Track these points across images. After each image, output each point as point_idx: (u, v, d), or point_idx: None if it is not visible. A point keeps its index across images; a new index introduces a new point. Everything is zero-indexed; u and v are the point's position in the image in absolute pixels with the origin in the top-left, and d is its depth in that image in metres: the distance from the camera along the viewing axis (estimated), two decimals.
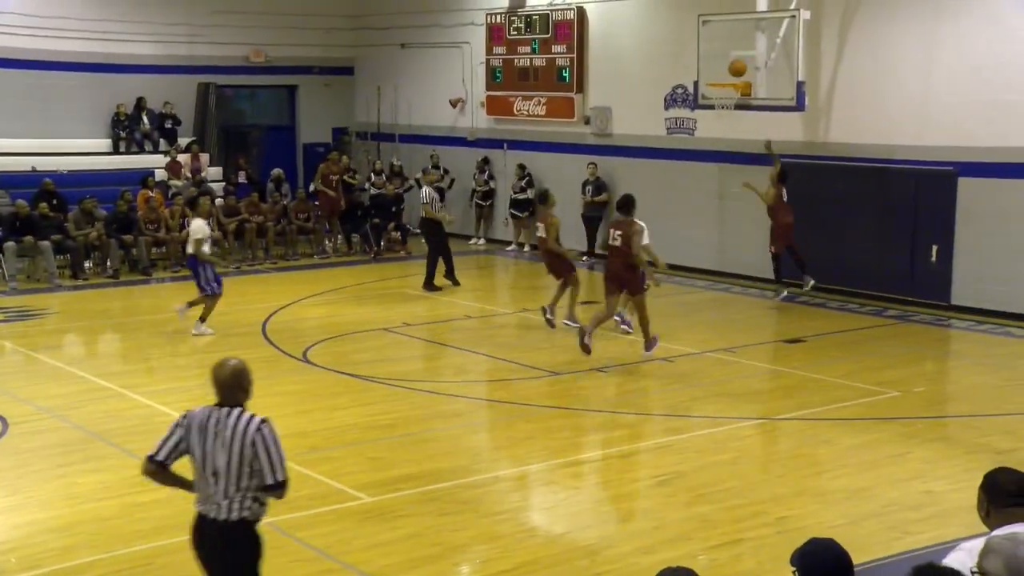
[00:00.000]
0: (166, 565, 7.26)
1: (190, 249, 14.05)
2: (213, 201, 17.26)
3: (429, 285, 16.90)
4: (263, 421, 5.28)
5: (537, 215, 14.60)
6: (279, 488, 5.32)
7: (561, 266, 14.35)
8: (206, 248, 13.97)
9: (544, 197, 14.93)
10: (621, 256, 12.38)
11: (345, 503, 8.29)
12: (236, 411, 5.30)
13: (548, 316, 14.12)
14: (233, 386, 5.36)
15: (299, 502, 8.29)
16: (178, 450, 5.34)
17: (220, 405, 5.35)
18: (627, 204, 12.73)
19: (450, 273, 17.33)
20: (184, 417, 5.37)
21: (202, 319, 14.09)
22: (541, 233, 14.46)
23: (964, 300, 15.03)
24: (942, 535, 7.47)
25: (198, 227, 14.02)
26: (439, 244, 17.13)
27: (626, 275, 12.39)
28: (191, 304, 14.27)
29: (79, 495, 8.47)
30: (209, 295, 14.05)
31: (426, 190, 17.35)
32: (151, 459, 5.34)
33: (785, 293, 15.87)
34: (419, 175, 21.94)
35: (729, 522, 7.91)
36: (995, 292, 14.71)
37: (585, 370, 12.28)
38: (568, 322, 14.06)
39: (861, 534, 7.62)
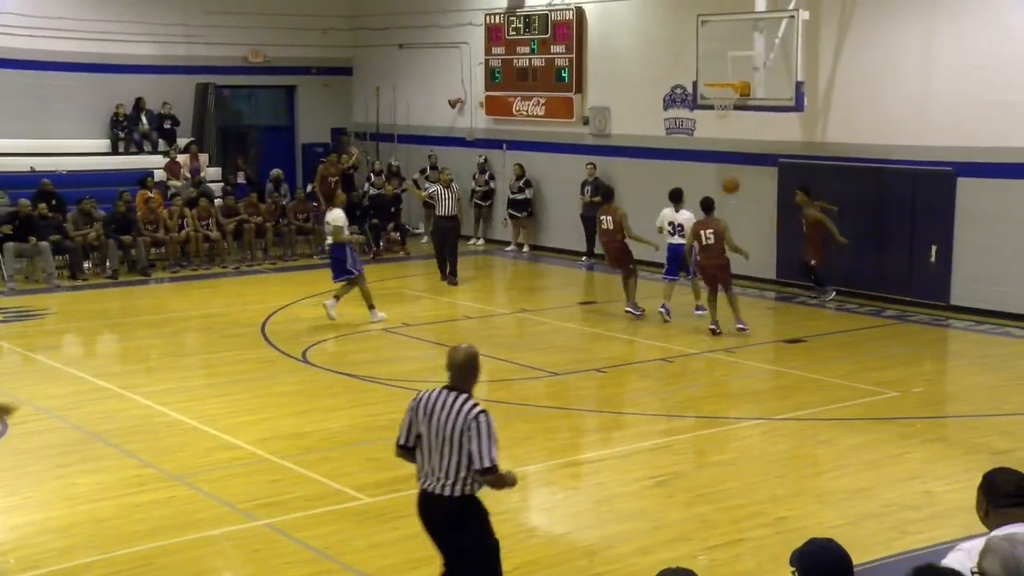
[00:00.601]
0: (165, 566, 7.25)
1: (330, 239, 14.85)
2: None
3: (454, 276, 17.67)
4: (482, 411, 5.54)
5: (601, 210, 15.25)
6: (486, 474, 5.54)
7: (627, 258, 15.04)
8: (347, 232, 14.86)
9: (609, 194, 15.60)
10: (716, 254, 13.61)
11: (344, 504, 8.29)
12: (462, 397, 5.58)
13: (634, 311, 14.86)
14: (465, 371, 5.63)
15: (297, 503, 8.29)
16: (413, 431, 5.70)
17: (450, 388, 5.61)
18: (709, 204, 13.91)
19: (452, 271, 17.68)
20: (415, 400, 5.70)
21: (371, 305, 14.72)
22: (607, 226, 15.00)
23: (963, 300, 15.03)
24: (941, 535, 7.47)
25: (336, 215, 14.74)
26: (455, 241, 17.87)
27: (721, 274, 13.72)
28: (337, 297, 14.71)
29: (78, 496, 8.46)
30: (357, 276, 14.69)
31: (440, 189, 17.74)
32: (398, 446, 5.77)
33: (833, 293, 15.86)
34: (416, 176, 22.01)
35: (728, 522, 7.91)
36: (994, 292, 14.71)
37: (584, 370, 12.28)
38: (631, 310, 14.92)
39: (860, 534, 7.62)
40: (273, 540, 7.66)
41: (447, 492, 5.61)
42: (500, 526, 7.86)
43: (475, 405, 5.55)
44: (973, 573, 3.63)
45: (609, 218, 15.02)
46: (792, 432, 10.14)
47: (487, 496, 5.88)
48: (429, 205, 21.42)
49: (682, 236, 14.56)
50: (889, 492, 8.51)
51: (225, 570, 7.45)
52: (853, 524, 7.86)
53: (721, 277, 13.80)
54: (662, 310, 14.58)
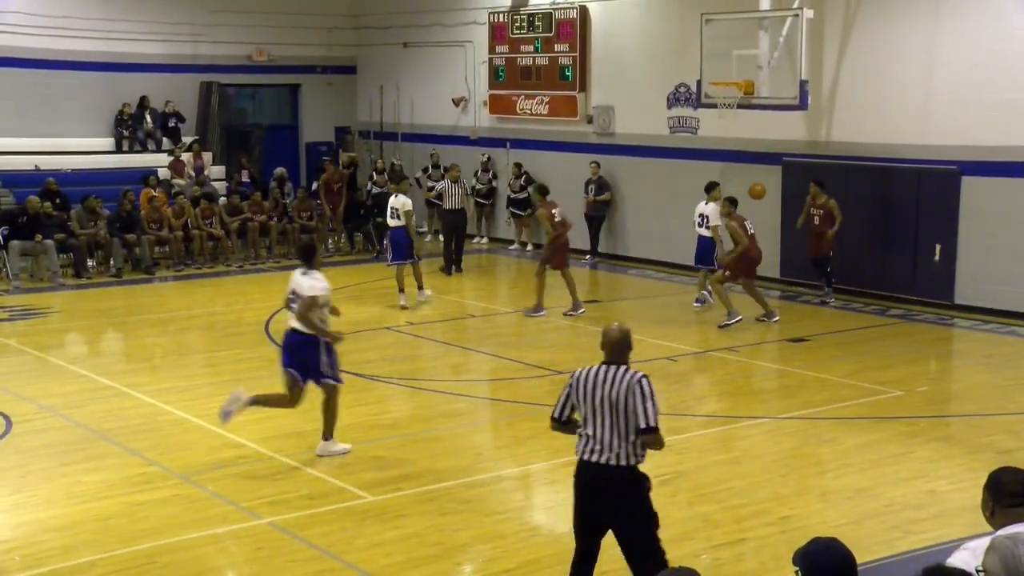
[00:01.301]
0: (168, 564, 7.26)
1: (395, 222, 15.52)
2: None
3: (459, 267, 18.61)
4: (644, 375, 5.92)
5: (544, 206, 15.06)
6: (650, 432, 5.86)
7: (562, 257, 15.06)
8: (414, 220, 15.71)
9: (544, 190, 15.60)
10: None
11: (347, 502, 8.29)
12: (622, 367, 5.94)
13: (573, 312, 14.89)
14: (622, 345, 6.00)
15: (300, 501, 8.30)
16: (568, 405, 6.05)
17: (608, 363, 5.95)
18: (734, 201, 14.48)
19: (458, 262, 18.67)
20: (573, 376, 6.01)
21: (421, 286, 15.76)
22: (559, 219, 14.97)
23: (967, 299, 15.01)
24: (944, 535, 7.47)
25: (404, 202, 15.46)
26: (463, 234, 18.90)
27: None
28: (421, 286, 15.75)
29: (81, 494, 8.47)
30: (416, 262, 15.64)
31: (448, 184, 18.81)
32: (553, 419, 6.14)
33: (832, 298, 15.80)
34: (418, 175, 22.01)
35: (731, 521, 7.90)
36: (998, 291, 14.69)
37: None
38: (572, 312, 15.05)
39: (863, 533, 7.61)
40: (276, 538, 7.67)
41: (614, 462, 5.87)
42: (503, 525, 7.90)
43: (636, 372, 5.93)
44: (978, 572, 3.63)
45: (556, 211, 14.94)
46: (796, 431, 10.13)
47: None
48: (432, 204, 21.61)
49: (707, 228, 15.05)
50: (892, 491, 8.50)
51: (228, 568, 7.45)
52: (856, 523, 7.85)
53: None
54: (696, 304, 15.33)
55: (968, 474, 8.59)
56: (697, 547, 7.46)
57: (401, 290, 15.56)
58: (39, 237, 17.60)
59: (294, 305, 9.14)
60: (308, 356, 9.12)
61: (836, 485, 8.88)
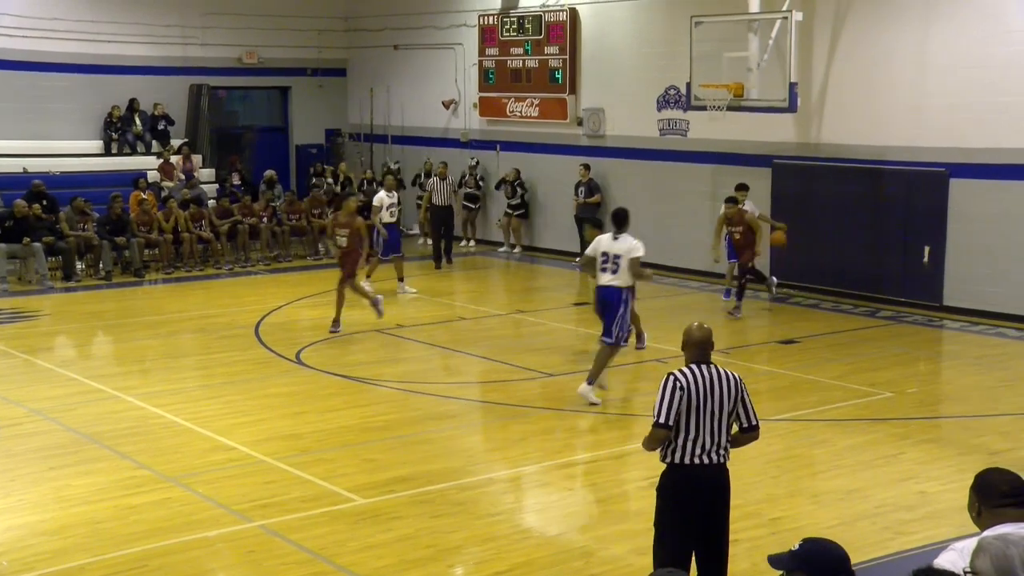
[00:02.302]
0: (160, 567, 7.24)
1: (387, 220, 16.59)
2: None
3: (449, 258, 19.65)
4: (738, 376, 5.96)
5: (341, 220, 14.55)
6: (755, 431, 6.02)
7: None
8: (384, 215, 16.68)
9: (344, 196, 16.57)
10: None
11: (339, 505, 8.28)
12: (714, 367, 5.92)
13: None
14: (709, 344, 5.99)
15: (292, 504, 8.29)
16: (675, 410, 5.83)
17: (700, 363, 5.90)
18: (733, 199, 15.00)
19: (447, 253, 19.62)
20: (679, 381, 5.84)
21: (401, 278, 16.86)
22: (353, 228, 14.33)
23: (956, 301, 15.06)
24: (935, 535, 7.49)
25: (381, 197, 16.72)
26: (451, 227, 19.98)
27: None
28: (401, 278, 16.77)
29: (72, 497, 8.44)
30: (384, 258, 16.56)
31: (436, 180, 19.80)
32: (663, 426, 5.84)
33: (775, 288, 15.90)
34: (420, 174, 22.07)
35: None
36: (987, 293, 14.75)
37: (579, 371, 12.27)
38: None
39: (854, 534, 7.63)
40: (268, 542, 7.65)
41: (721, 460, 5.90)
42: (496, 527, 7.90)
43: (728, 371, 5.96)
44: (966, 572, 3.64)
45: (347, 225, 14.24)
46: (787, 433, 10.15)
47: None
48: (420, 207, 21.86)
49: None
50: (883, 493, 8.53)
51: (220, 571, 7.44)
52: (847, 524, 7.87)
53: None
54: (725, 297, 15.90)
55: (958, 475, 8.62)
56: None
57: (400, 279, 16.88)
58: (27, 240, 17.54)
59: (607, 265, 10.78)
60: (608, 311, 10.74)
61: (827, 486, 8.90)
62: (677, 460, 5.89)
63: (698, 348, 5.97)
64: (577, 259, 19.49)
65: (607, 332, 10.79)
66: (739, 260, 15.06)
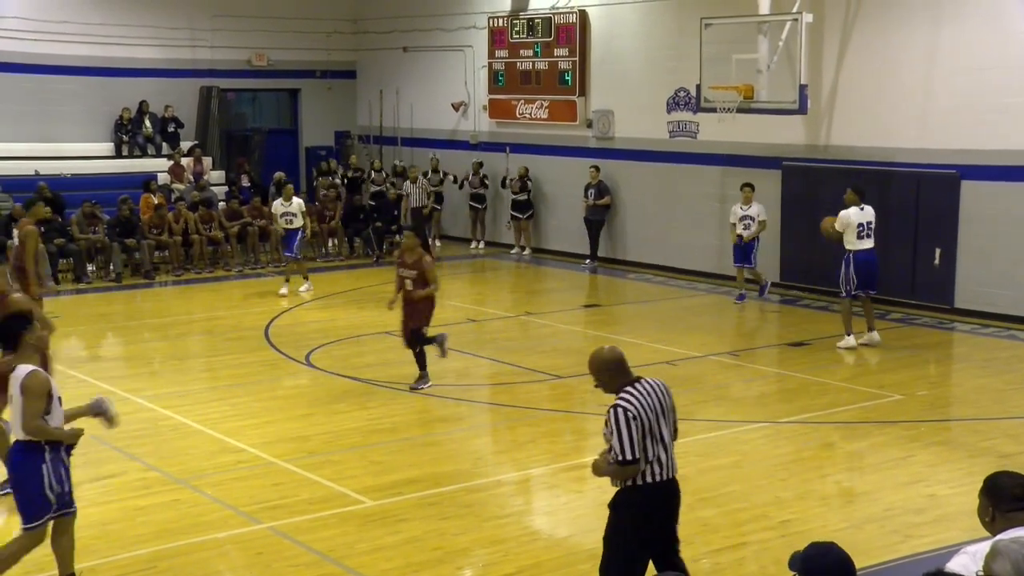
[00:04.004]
0: (168, 569, 7.25)
1: (294, 224, 17.12)
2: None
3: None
4: (662, 381, 5.90)
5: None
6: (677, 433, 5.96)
7: None
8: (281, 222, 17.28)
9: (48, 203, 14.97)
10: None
11: (347, 507, 8.29)
12: (644, 380, 5.80)
13: None
14: (625, 359, 5.85)
15: (301, 506, 8.30)
16: (639, 440, 5.62)
17: (631, 383, 5.73)
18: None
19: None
20: (627, 411, 5.61)
21: (305, 276, 17.26)
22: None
23: (967, 303, 15.01)
24: (944, 539, 7.46)
25: (276, 206, 17.37)
26: (425, 226, 19.59)
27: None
28: (288, 279, 17.07)
29: (81, 499, 8.39)
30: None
31: (407, 184, 20.75)
32: (633, 461, 5.60)
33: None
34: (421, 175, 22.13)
35: (731, 526, 7.90)
36: (998, 295, 14.69)
37: (587, 373, 12.24)
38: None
39: (863, 538, 7.61)
40: (277, 543, 7.66)
41: (675, 473, 5.84)
42: (503, 529, 7.90)
43: (655, 380, 5.88)
44: None
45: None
46: (795, 435, 10.13)
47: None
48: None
49: (746, 228, 15.79)
50: (892, 496, 8.50)
51: (229, 573, 7.45)
52: (856, 527, 7.85)
53: None
54: (738, 300, 16.02)
55: (968, 478, 8.58)
56: (697, 551, 7.45)
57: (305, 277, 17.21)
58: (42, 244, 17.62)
59: (863, 232, 12.72)
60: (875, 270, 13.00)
61: (836, 489, 8.88)
62: (639, 482, 5.73)
63: (621, 369, 5.77)
64: (588, 260, 19.55)
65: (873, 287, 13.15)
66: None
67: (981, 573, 3.61)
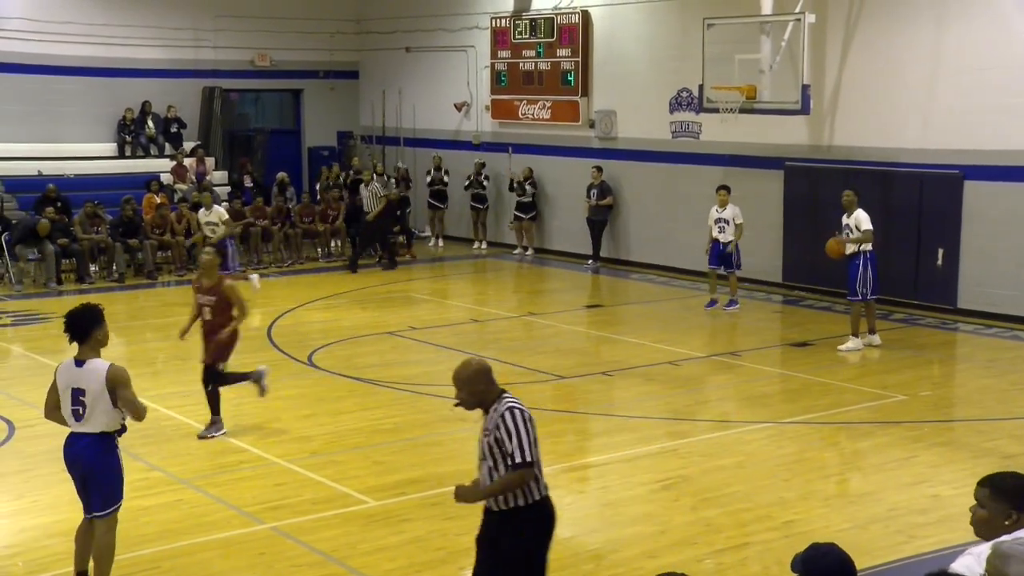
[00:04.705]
0: (172, 569, 7.26)
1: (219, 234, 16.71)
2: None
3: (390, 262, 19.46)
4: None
5: None
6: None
7: None
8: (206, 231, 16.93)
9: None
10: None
11: (350, 507, 8.29)
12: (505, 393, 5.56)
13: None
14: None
15: (303, 506, 8.30)
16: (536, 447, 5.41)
17: (499, 396, 5.46)
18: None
19: (390, 258, 19.53)
20: (524, 412, 5.40)
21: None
22: None
23: (970, 303, 14.99)
24: (948, 539, 7.45)
25: (220, 212, 17.13)
26: (371, 231, 19.58)
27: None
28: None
29: None
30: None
31: (361, 188, 19.77)
32: (530, 464, 5.33)
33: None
34: (427, 179, 22.07)
35: (735, 526, 7.89)
36: (1001, 295, 14.67)
37: (590, 374, 12.27)
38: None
39: (867, 538, 7.60)
40: (279, 543, 7.67)
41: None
42: None
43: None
44: None
45: None
46: (798, 436, 10.12)
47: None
48: (433, 207, 21.85)
49: (720, 231, 15.29)
50: (896, 496, 8.49)
51: (232, 573, 7.44)
52: (860, 528, 7.84)
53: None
54: (708, 307, 15.58)
55: (972, 479, 8.47)
56: (700, 552, 7.45)
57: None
58: (47, 244, 17.66)
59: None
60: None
61: (839, 489, 8.88)
62: (538, 496, 5.47)
63: (493, 378, 5.48)
64: (590, 260, 19.54)
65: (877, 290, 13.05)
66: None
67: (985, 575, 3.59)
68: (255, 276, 17.23)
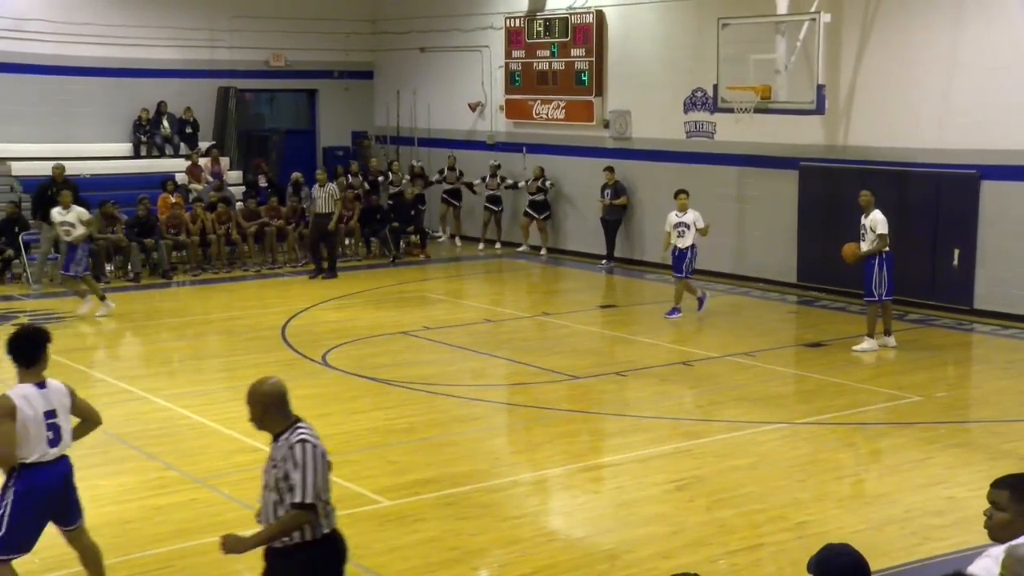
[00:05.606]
0: (186, 568, 7.28)
1: (78, 235, 15.57)
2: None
3: (332, 272, 18.48)
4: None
5: None
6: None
7: None
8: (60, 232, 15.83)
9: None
10: None
11: (364, 507, 8.30)
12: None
13: None
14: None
15: None
16: (325, 484, 5.13)
17: (293, 425, 5.29)
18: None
19: (331, 266, 18.58)
20: (316, 446, 5.14)
21: (102, 297, 15.63)
22: None
23: (986, 304, 14.92)
24: (964, 541, 7.41)
25: (54, 213, 15.84)
26: (332, 237, 18.71)
27: None
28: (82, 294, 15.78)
29: (100, 497, 8.49)
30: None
31: (316, 188, 18.66)
32: (312, 507, 5.02)
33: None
34: (436, 177, 22.05)
35: (748, 527, 7.87)
36: (1018, 296, 14.59)
37: (604, 374, 12.26)
38: None
39: (882, 540, 7.57)
40: None
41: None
42: (520, 529, 7.90)
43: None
44: None
45: None
46: (813, 436, 10.09)
47: None
48: (447, 203, 21.81)
49: (680, 236, 14.93)
50: (911, 497, 8.46)
51: (246, 572, 7.45)
52: (875, 529, 7.81)
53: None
54: (668, 315, 15.05)
55: (988, 481, 8.37)
56: (714, 552, 7.43)
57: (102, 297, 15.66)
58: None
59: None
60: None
61: (854, 491, 8.84)
62: (317, 534, 5.07)
63: (285, 401, 5.26)
64: (604, 260, 19.51)
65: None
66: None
67: None
68: (109, 304, 15.54)
